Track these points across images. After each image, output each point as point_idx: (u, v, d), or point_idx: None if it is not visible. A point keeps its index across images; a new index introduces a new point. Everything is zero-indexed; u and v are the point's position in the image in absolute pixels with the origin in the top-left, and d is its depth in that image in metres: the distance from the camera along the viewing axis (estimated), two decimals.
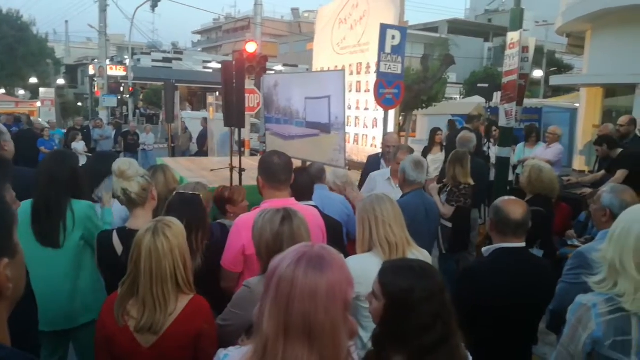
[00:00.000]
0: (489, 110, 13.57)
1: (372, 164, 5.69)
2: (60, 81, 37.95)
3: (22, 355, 1.05)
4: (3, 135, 3.51)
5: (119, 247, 2.50)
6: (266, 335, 1.20)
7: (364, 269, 2.10)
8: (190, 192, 2.78)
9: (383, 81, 6.49)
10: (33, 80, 33.54)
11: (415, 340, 1.53)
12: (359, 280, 1.47)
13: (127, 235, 2.47)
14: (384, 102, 6.60)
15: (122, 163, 2.66)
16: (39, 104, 27.51)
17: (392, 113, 7.06)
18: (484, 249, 2.67)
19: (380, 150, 6.00)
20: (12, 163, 3.58)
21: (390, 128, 7.02)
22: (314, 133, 5.56)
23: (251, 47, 9.89)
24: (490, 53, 39.99)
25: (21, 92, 34.10)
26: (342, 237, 3.44)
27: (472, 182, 4.90)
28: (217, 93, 11.75)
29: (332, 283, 1.20)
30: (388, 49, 6.46)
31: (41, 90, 29.44)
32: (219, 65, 6.95)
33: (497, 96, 13.79)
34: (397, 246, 2.45)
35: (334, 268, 1.23)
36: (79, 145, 13.03)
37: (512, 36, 6.68)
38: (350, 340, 1.28)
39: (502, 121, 7.01)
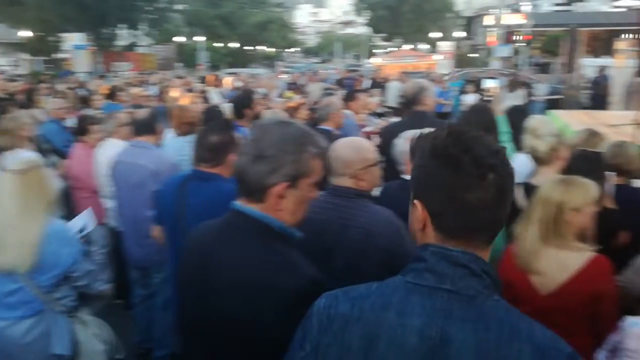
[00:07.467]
0: None
1: None
2: (458, 33, 39.64)
3: None
4: (425, 91, 3.80)
5: None
6: None
7: None
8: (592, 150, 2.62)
9: None
10: (435, 34, 36.55)
11: None
12: None
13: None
14: None
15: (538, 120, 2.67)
16: (438, 57, 29.89)
17: None
18: None
19: None
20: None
21: None
22: None
23: None
24: None
25: (423, 46, 37.82)
26: None
27: None
28: (630, 36, 10.22)
29: None
30: None
31: (440, 43, 31.75)
32: (636, 3, 5.97)
33: None
34: None
35: None
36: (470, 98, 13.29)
37: None
38: None
39: None
